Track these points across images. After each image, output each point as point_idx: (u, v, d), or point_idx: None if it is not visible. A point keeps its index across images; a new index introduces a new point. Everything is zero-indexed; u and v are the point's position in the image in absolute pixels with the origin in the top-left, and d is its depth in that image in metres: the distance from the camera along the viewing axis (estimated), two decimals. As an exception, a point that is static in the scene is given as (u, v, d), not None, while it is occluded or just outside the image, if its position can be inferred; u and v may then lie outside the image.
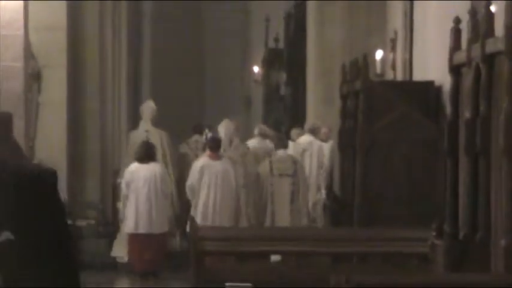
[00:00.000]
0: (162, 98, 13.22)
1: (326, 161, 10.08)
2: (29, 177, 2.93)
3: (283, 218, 9.69)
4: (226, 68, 22.77)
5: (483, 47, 5.72)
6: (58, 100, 10.94)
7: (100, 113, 12.59)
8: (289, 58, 15.69)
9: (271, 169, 9.80)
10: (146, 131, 10.43)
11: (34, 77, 9.96)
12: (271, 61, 17.22)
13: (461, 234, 6.05)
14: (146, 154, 9.20)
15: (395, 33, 11.56)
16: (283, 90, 16.46)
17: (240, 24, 23.40)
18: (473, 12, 6.45)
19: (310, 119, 11.96)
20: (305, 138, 10.58)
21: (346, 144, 8.32)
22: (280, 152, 10.02)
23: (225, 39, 23.19)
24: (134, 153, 9.64)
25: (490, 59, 5.51)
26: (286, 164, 9.85)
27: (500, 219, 5.40)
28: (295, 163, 9.97)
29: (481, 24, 6.37)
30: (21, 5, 9.41)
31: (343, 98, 9.08)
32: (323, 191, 9.88)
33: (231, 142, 10.17)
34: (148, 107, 10.91)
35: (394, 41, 11.10)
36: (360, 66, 8.34)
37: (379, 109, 7.48)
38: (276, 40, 17.26)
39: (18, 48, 9.42)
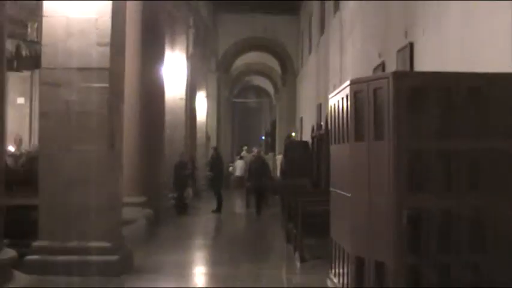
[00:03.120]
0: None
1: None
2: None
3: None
4: (251, 131, 41.92)
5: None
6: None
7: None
8: (272, 133, 33.49)
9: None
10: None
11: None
12: (267, 133, 35.50)
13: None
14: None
15: (301, 119, 27.41)
16: (269, 141, 34.55)
17: (257, 107, 43.00)
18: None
19: (276, 149, 29.45)
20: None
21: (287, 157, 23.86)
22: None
23: (249, 116, 42.96)
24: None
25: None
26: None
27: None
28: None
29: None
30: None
31: (285, 145, 24.46)
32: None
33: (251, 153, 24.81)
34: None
35: (301, 124, 27.26)
36: (289, 136, 24.56)
37: (295, 149, 22.98)
38: (271, 125, 35.48)
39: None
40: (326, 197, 8.28)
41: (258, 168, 19.38)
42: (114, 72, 9.28)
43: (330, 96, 7.40)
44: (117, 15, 9.41)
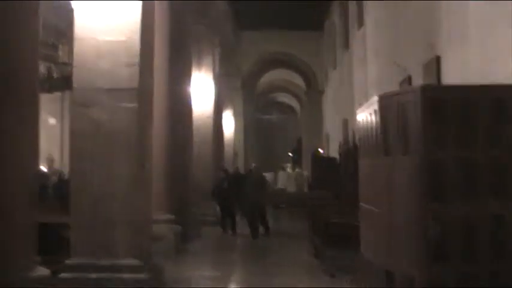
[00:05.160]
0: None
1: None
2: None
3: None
4: (277, 147, 41.70)
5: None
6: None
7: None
8: (299, 149, 33.28)
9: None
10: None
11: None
12: (294, 150, 35.39)
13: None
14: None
15: (327, 135, 27.39)
16: (296, 157, 34.29)
17: (283, 123, 43.02)
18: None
19: (303, 165, 29.15)
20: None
21: (314, 173, 23.78)
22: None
23: (276, 133, 42.62)
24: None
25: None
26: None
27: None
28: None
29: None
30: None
31: (312, 161, 24.37)
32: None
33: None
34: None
35: (327, 140, 27.13)
36: (316, 151, 24.39)
37: (322, 165, 22.93)
38: (298, 141, 35.28)
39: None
40: (353, 211, 8.23)
41: (255, 183, 17.86)
42: (142, 92, 9.34)
43: (357, 111, 7.38)
44: (146, 36, 9.48)
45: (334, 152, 23.57)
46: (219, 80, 22.53)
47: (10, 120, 5.96)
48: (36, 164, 6.79)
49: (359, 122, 7.22)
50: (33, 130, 6.33)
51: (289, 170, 28.67)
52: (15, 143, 6.03)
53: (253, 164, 21.34)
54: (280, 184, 27.37)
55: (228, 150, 27.16)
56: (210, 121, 20.12)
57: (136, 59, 9.17)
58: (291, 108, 46.14)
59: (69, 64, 12.36)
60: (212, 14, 20.94)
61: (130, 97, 9.10)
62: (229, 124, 27.88)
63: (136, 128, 9.11)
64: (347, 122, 21.04)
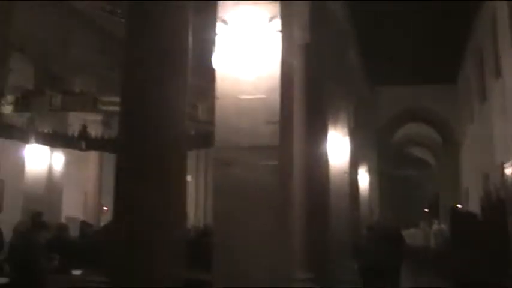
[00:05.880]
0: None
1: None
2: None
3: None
4: (413, 203, 40.46)
5: None
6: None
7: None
8: (435, 204, 32.00)
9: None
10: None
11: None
12: (430, 205, 34.50)
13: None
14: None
15: (467, 189, 26.10)
16: (433, 212, 33.35)
17: (419, 178, 41.85)
18: None
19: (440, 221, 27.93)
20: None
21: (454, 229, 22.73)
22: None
23: (411, 188, 41.41)
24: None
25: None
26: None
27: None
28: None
29: None
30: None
31: (451, 217, 23.23)
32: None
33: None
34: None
35: (467, 194, 25.89)
36: (454, 206, 23.26)
37: (463, 221, 21.89)
38: (434, 196, 35.64)
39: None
40: (506, 272, 7.71)
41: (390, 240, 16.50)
42: (283, 150, 9.32)
43: (505, 165, 6.97)
44: (285, 93, 9.51)
45: (473, 208, 22.53)
46: (353, 136, 22.37)
47: (161, 176, 6.06)
48: (185, 221, 6.85)
49: (508, 176, 6.80)
50: (182, 187, 6.41)
51: (435, 225, 27.64)
52: (166, 202, 6.10)
53: (383, 217, 20.65)
54: (419, 242, 26.41)
55: (364, 206, 26.72)
56: (346, 177, 19.91)
57: (277, 117, 9.18)
58: (426, 163, 44.94)
59: (207, 122, 12.61)
60: (347, 71, 20.96)
61: (271, 155, 9.08)
62: (364, 180, 27.53)
63: (277, 185, 9.06)
64: (488, 176, 20.13)
